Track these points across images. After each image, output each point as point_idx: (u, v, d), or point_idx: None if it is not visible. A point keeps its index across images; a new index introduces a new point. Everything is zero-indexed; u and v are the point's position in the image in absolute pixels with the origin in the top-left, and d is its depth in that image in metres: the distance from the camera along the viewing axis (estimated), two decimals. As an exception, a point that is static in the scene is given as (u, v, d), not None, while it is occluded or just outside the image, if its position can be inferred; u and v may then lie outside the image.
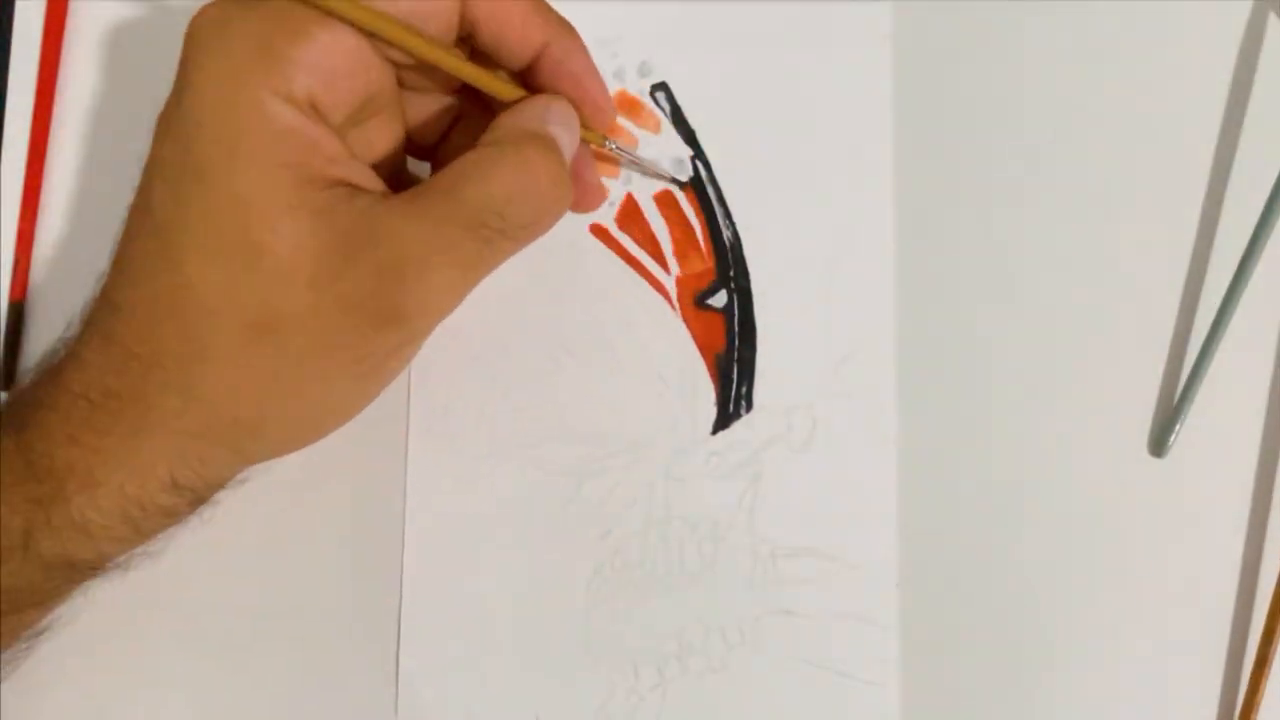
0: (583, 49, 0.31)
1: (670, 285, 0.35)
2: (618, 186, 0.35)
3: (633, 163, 0.35)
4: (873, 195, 0.35)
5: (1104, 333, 0.35)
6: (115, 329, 0.28)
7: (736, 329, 0.35)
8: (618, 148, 0.33)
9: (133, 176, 0.29)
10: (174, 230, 0.28)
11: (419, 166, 0.34)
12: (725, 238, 0.35)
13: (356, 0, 0.27)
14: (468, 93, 0.32)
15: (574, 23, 0.31)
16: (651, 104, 0.35)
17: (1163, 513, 0.34)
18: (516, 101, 0.30)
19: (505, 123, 0.30)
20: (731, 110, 0.36)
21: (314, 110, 0.28)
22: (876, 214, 0.35)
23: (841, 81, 0.36)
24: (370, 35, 0.28)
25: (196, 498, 0.30)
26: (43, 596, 0.30)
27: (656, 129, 0.36)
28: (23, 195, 0.36)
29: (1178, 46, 0.36)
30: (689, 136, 0.36)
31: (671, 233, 0.35)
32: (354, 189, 0.28)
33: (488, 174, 0.28)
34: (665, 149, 0.36)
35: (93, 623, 0.33)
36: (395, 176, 0.32)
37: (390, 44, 0.28)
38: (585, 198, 0.34)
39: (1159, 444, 0.34)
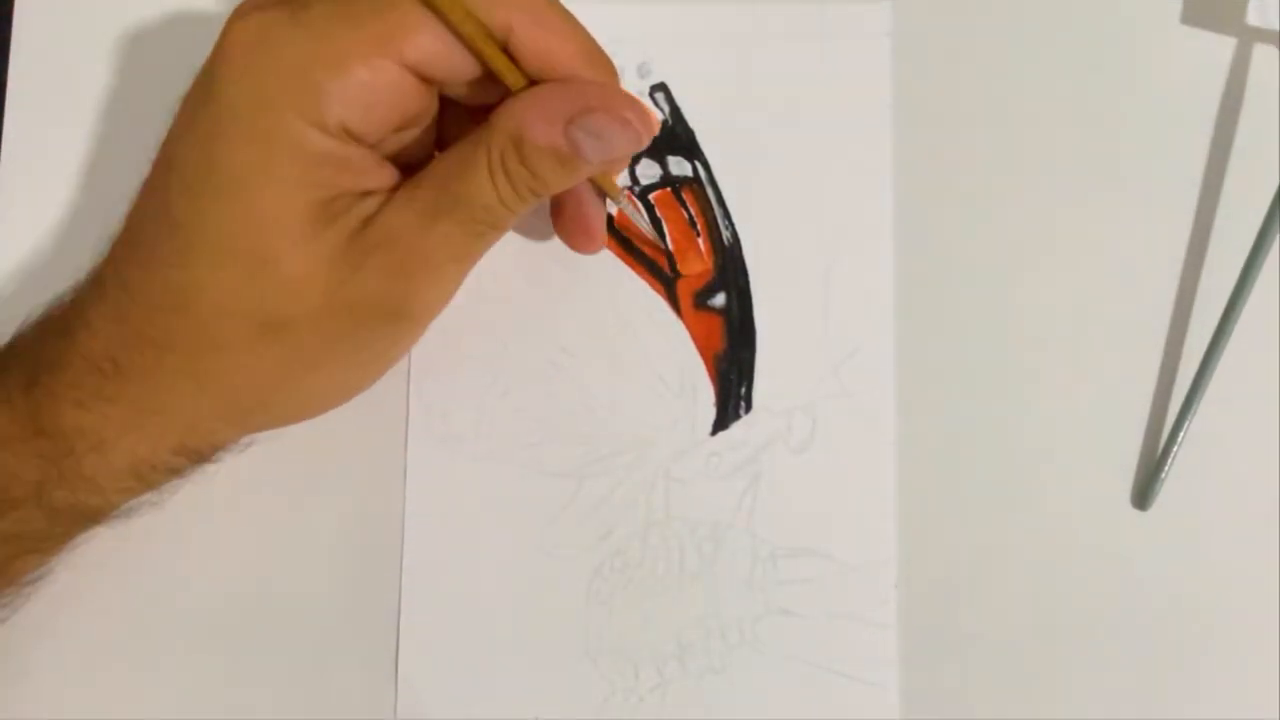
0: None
1: (670, 285, 0.35)
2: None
3: (635, 226, 0.35)
4: (872, 195, 0.35)
5: (1106, 324, 0.35)
6: (127, 309, 0.29)
7: (736, 329, 0.35)
8: (627, 206, 0.33)
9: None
10: (191, 233, 0.28)
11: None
12: (725, 238, 0.35)
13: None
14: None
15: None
16: (651, 105, 0.35)
17: (1165, 500, 0.34)
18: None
19: (495, 118, 0.29)
20: (731, 110, 0.36)
21: (347, 134, 0.28)
22: (876, 214, 0.35)
23: (841, 81, 0.36)
24: (456, 36, 0.28)
25: (202, 458, 0.32)
26: (48, 543, 0.31)
27: (656, 129, 0.36)
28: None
29: (1178, 45, 0.36)
30: (689, 137, 0.36)
31: (671, 233, 0.35)
32: (364, 194, 0.29)
33: (468, 173, 0.29)
34: (665, 149, 0.36)
35: (91, 624, 0.34)
36: (420, 165, 0.31)
37: (469, 49, 0.28)
38: (583, 236, 0.34)
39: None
